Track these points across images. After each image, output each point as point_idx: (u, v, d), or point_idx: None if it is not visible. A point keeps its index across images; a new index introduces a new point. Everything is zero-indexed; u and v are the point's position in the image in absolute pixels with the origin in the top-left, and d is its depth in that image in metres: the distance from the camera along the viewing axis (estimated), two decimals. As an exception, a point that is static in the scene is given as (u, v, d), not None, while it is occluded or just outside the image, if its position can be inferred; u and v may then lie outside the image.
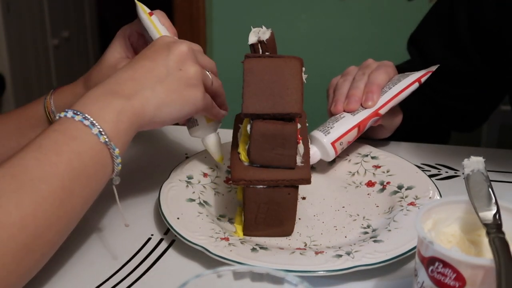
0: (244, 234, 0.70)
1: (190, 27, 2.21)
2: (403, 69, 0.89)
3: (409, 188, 0.78)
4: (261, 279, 0.46)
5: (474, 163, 0.57)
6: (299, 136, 0.70)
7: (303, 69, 0.69)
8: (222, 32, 2.22)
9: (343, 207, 0.77)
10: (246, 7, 2.18)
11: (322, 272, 0.62)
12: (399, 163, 0.83)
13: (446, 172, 0.87)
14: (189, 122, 0.76)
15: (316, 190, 0.80)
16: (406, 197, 0.76)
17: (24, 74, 2.51)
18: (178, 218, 0.69)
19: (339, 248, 0.66)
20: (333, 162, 0.85)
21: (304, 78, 0.68)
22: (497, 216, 0.52)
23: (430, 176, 0.82)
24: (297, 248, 0.68)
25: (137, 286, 0.63)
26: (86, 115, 0.60)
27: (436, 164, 0.89)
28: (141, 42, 0.78)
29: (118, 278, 0.64)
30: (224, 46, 2.21)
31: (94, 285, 0.63)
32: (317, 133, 0.80)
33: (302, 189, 0.79)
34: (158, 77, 0.65)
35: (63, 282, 0.63)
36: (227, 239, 0.67)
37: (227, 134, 0.78)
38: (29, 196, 0.55)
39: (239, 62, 0.68)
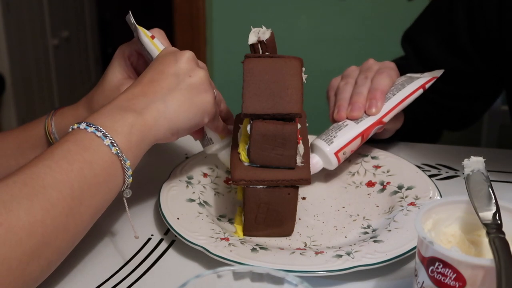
0: (244, 234, 0.70)
1: (190, 27, 2.21)
2: (398, 65, 0.88)
3: (409, 188, 0.78)
4: (261, 279, 0.46)
5: (474, 163, 0.57)
6: (299, 136, 0.70)
7: (303, 69, 0.69)
8: (222, 32, 2.22)
9: (343, 207, 0.77)
10: (246, 7, 2.18)
11: (322, 272, 0.62)
12: (399, 163, 0.83)
13: (446, 172, 0.87)
14: (204, 141, 0.76)
15: (316, 190, 0.80)
16: (406, 197, 0.76)
17: (24, 74, 2.51)
18: (178, 218, 0.70)
19: (339, 248, 0.66)
20: (333, 162, 0.85)
21: (304, 78, 0.68)
22: (497, 216, 0.52)
23: (430, 176, 0.82)
24: (297, 248, 0.68)
25: (137, 286, 0.63)
26: (99, 126, 0.60)
27: (436, 164, 0.89)
28: (141, 62, 0.77)
29: (118, 278, 0.64)
30: (224, 46, 2.21)
31: (94, 285, 0.63)
32: (319, 142, 0.78)
33: (302, 189, 0.79)
34: (168, 88, 0.65)
35: (63, 282, 0.63)
36: (227, 239, 0.67)
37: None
38: (40, 203, 0.55)
39: (239, 62, 0.68)
